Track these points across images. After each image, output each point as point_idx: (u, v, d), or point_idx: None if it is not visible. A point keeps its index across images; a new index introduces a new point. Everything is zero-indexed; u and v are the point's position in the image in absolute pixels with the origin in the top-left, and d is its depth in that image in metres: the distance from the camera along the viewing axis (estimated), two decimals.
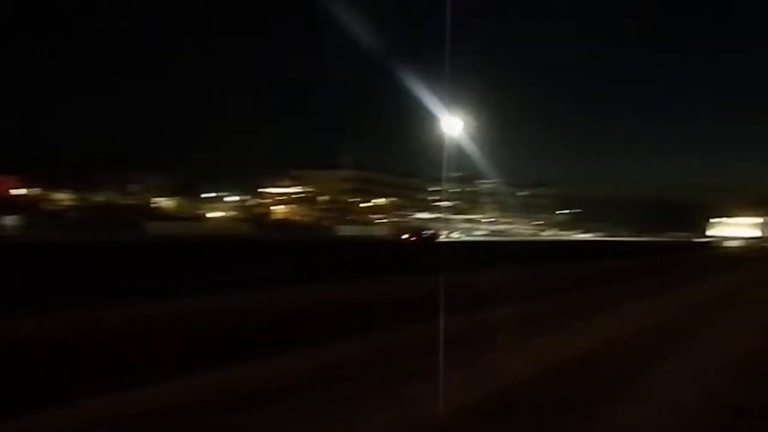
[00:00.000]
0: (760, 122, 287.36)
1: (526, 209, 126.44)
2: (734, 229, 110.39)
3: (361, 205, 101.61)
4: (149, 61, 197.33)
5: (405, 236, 60.85)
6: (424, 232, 64.78)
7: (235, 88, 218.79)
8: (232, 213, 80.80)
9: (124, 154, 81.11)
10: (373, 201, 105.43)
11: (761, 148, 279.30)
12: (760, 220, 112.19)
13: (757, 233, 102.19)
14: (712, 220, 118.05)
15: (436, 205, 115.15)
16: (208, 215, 76.12)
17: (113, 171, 76.34)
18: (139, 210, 63.58)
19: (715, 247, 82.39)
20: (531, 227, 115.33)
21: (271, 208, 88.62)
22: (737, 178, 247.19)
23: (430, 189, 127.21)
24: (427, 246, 32.49)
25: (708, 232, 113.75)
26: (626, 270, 24.27)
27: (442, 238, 63.39)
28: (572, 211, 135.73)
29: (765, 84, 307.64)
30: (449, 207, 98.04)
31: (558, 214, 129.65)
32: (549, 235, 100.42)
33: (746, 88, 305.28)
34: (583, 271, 23.11)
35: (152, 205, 74.48)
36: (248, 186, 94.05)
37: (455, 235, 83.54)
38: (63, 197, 67.93)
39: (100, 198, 71.23)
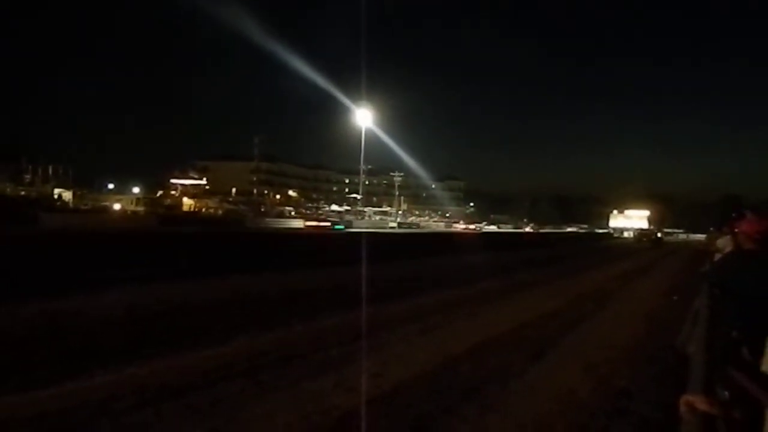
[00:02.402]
0: (650, 122, 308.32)
1: (436, 202, 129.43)
2: (628, 220, 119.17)
3: (273, 196, 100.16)
4: (47, 50, 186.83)
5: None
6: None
7: (140, 79, 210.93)
8: (138, 205, 77.51)
9: (20, 143, 75.80)
10: (284, 193, 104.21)
11: (650, 146, 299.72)
12: (647, 212, 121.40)
13: (645, 225, 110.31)
14: (613, 212, 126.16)
15: (348, 197, 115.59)
16: (113, 207, 72.64)
17: (4, 160, 71.31)
18: (37, 202, 59.66)
19: (613, 237, 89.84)
20: (442, 219, 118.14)
21: (179, 200, 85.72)
22: (630, 174, 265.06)
23: (340, 181, 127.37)
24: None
25: (609, 224, 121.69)
26: (539, 258, 26.52)
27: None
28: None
29: (655, 88, 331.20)
30: (361, 199, 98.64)
31: (466, 206, 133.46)
32: (460, 227, 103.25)
33: (638, 90, 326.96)
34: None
35: (53, 197, 69.93)
36: (155, 178, 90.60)
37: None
38: None
39: None
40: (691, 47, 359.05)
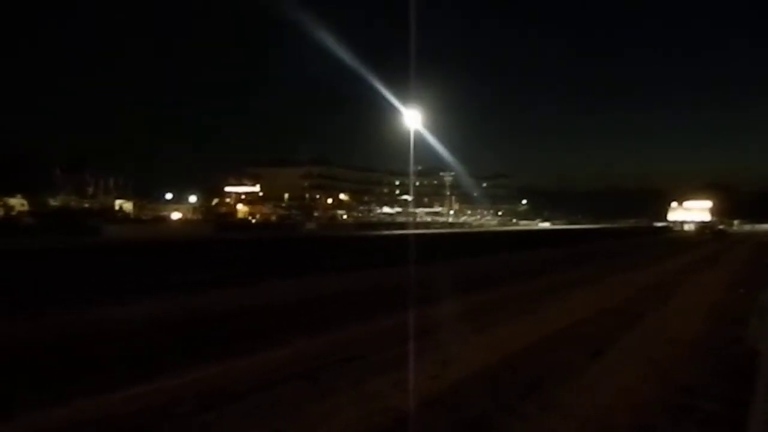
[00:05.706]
0: (711, 112, 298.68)
1: (488, 200, 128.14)
2: (688, 213, 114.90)
3: (325, 200, 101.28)
4: (99, 62, 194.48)
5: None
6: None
7: (192, 89, 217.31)
8: (194, 214, 79.70)
9: (80, 156, 78.88)
10: (335, 196, 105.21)
11: (710, 136, 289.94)
12: (709, 204, 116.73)
13: (706, 217, 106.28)
14: (672, 205, 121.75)
15: (399, 199, 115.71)
16: (171, 216, 74.89)
17: (69, 173, 74.47)
18: (99, 213, 62.05)
19: (673, 230, 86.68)
20: (495, 217, 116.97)
21: (233, 207, 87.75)
22: (689, 164, 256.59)
23: (391, 183, 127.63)
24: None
25: (668, 217, 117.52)
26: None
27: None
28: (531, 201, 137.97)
29: (715, 75, 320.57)
30: (412, 200, 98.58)
31: (519, 204, 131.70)
32: (516, 225, 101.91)
33: (696, 80, 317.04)
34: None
35: (114, 208, 72.67)
36: (210, 186, 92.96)
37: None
38: (15, 202, 64.79)
39: (55, 202, 69.08)
40: (753, 34, 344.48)
